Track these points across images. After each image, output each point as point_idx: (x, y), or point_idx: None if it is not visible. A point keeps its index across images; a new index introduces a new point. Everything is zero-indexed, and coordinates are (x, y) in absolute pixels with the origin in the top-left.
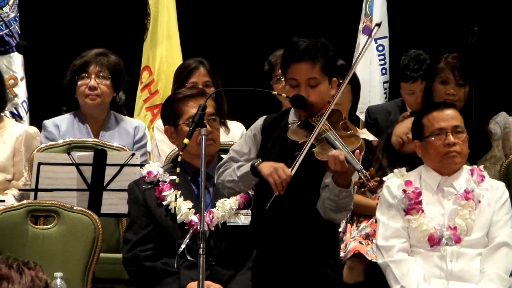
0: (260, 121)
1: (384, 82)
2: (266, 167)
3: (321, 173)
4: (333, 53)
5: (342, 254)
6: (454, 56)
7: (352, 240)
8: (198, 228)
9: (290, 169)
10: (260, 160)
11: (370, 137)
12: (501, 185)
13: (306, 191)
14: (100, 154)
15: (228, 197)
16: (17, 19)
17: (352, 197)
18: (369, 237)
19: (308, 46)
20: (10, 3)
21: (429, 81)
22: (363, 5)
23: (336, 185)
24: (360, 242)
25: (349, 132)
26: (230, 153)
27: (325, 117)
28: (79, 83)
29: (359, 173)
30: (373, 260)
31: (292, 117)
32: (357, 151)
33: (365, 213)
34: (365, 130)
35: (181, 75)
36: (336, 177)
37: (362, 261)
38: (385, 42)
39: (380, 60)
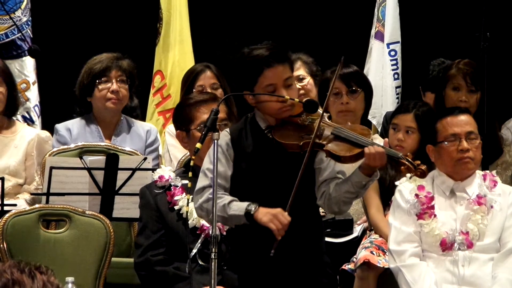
0: (225, 135)
1: (397, 87)
2: (264, 215)
3: (311, 171)
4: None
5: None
6: (466, 62)
7: (363, 249)
8: (210, 232)
9: (286, 212)
10: (256, 207)
11: (382, 142)
12: None
13: (299, 191)
14: (112, 158)
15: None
16: (29, 23)
17: None
18: (382, 248)
19: (272, 50)
20: (23, 7)
21: (440, 87)
22: (376, 10)
23: (365, 175)
24: (371, 252)
25: (348, 124)
26: (206, 174)
27: (323, 113)
28: (100, 87)
29: (402, 160)
30: (385, 267)
31: (261, 122)
32: (386, 139)
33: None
34: (377, 135)
35: (188, 79)
36: (367, 168)
37: (372, 270)
38: (398, 47)
39: (392, 65)
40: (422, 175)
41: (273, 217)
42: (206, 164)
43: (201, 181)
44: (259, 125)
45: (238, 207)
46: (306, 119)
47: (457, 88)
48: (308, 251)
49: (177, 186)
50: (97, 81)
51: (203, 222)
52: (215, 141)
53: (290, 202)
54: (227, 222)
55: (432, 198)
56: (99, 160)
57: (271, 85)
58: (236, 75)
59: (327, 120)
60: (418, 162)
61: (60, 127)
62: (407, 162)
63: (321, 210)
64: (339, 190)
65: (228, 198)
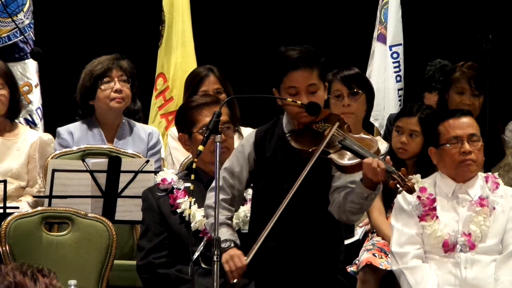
0: (250, 136)
1: (399, 89)
2: (224, 256)
3: (329, 178)
4: (324, 59)
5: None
6: (469, 65)
7: (365, 251)
8: (212, 235)
9: (246, 257)
10: (229, 245)
11: (384, 144)
12: None
13: (315, 198)
14: (114, 161)
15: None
16: (31, 25)
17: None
18: (384, 250)
19: (303, 53)
20: (25, 9)
21: (443, 90)
22: (378, 12)
23: (366, 187)
24: (373, 254)
25: (361, 135)
26: (222, 172)
27: (337, 124)
28: (103, 87)
29: (393, 175)
30: (388, 269)
31: (287, 126)
32: (387, 157)
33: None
34: (379, 137)
35: (192, 84)
36: (366, 181)
37: (374, 272)
38: (400, 49)
39: (394, 67)
40: (409, 191)
41: (229, 258)
42: (227, 163)
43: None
44: (283, 128)
45: (222, 233)
46: (322, 126)
47: (461, 92)
48: (320, 256)
49: (180, 189)
50: (100, 81)
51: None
52: (217, 143)
53: (253, 248)
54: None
55: (434, 200)
56: (101, 162)
57: (293, 88)
58: (265, 72)
59: (344, 129)
60: (411, 177)
61: (62, 130)
62: (397, 178)
63: None
64: (346, 199)
65: (221, 218)
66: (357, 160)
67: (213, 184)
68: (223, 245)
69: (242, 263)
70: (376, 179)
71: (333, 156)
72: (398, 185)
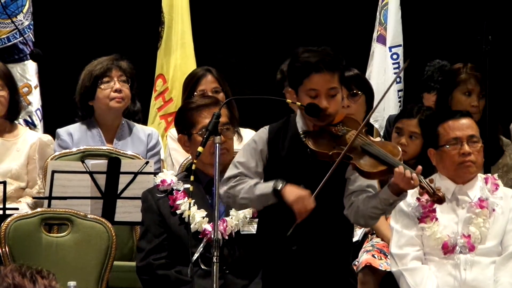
0: (263, 133)
1: (399, 91)
2: (292, 194)
3: (343, 181)
4: (344, 62)
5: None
6: (473, 66)
7: (365, 252)
8: (212, 236)
9: (313, 197)
10: (284, 183)
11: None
12: None
13: (330, 200)
14: (114, 162)
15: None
16: (31, 27)
17: None
18: (383, 252)
19: (326, 56)
20: (25, 11)
21: (445, 91)
22: (378, 13)
23: (393, 193)
24: (373, 256)
25: (382, 141)
26: (237, 166)
27: (361, 127)
28: (103, 86)
29: (422, 184)
30: (387, 270)
31: (301, 126)
32: (419, 166)
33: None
34: (379, 138)
35: (190, 84)
36: (395, 188)
37: (374, 273)
38: (400, 51)
39: (394, 68)
40: (439, 201)
41: (300, 199)
42: (238, 157)
43: (229, 172)
44: (297, 128)
45: (265, 185)
46: (341, 129)
47: (470, 92)
48: (334, 259)
49: (179, 190)
50: (99, 81)
51: (205, 226)
52: (217, 144)
53: (318, 190)
54: (252, 203)
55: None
56: (101, 164)
57: (313, 90)
58: (287, 71)
59: (360, 134)
60: (439, 188)
61: (62, 131)
62: (426, 187)
63: None
64: (367, 204)
65: (253, 180)
66: (383, 168)
67: (226, 175)
68: (277, 184)
69: (311, 205)
70: (407, 188)
71: (356, 161)
72: (427, 195)
